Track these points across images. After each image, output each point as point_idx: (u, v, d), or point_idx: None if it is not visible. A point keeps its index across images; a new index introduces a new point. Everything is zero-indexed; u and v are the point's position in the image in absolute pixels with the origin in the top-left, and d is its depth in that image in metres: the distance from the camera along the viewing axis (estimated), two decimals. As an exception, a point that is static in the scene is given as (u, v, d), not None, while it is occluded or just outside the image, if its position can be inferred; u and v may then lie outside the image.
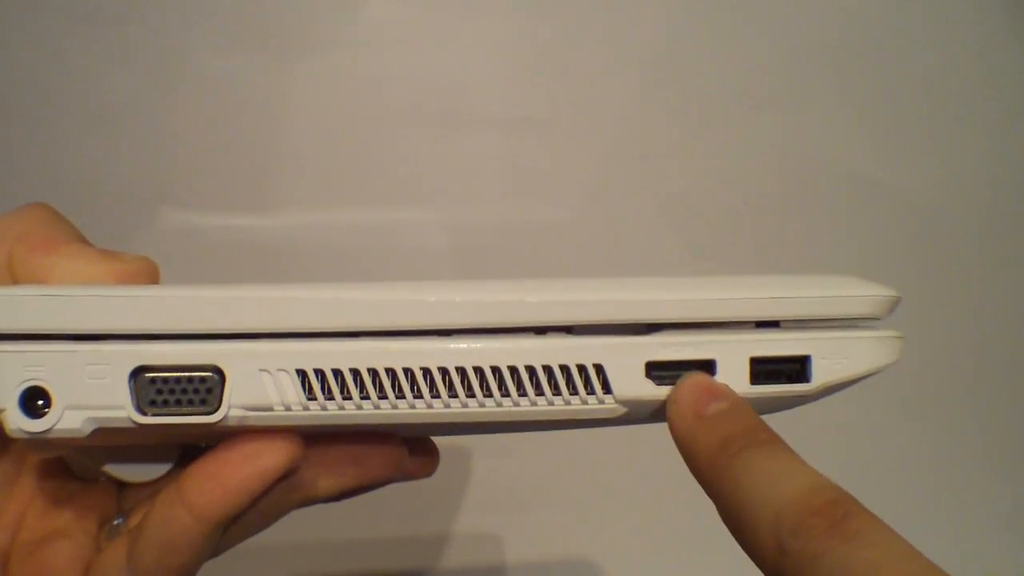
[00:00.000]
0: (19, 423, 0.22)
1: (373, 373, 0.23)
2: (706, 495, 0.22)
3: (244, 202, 0.52)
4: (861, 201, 0.59)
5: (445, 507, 0.57)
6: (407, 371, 0.23)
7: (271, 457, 0.23)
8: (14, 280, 0.25)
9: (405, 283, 0.23)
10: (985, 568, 0.59)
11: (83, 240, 0.26)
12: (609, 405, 0.23)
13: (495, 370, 0.23)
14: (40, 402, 0.22)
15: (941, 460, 0.60)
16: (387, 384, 0.23)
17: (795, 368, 0.24)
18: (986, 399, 0.61)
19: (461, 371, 0.23)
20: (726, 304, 0.24)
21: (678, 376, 0.23)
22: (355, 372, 0.23)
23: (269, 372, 0.23)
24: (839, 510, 0.19)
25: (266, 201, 0.53)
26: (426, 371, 0.23)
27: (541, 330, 0.24)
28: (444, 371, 0.23)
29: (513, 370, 0.23)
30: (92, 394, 0.22)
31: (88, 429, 0.22)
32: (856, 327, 0.25)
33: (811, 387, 0.24)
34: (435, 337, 0.23)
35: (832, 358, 0.24)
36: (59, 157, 0.51)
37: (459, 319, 0.23)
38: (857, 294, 0.24)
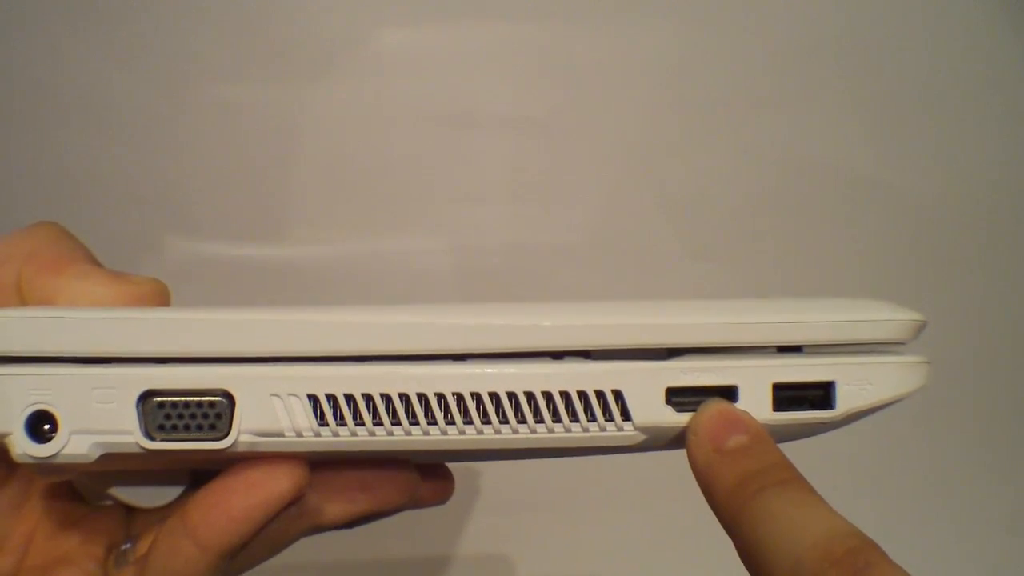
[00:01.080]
0: (25, 448, 0.21)
1: (386, 399, 0.22)
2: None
3: (252, 230, 0.52)
4: (862, 201, 0.58)
5: (451, 525, 0.57)
6: (421, 396, 0.22)
7: (276, 484, 0.23)
8: (22, 301, 0.25)
9: (418, 306, 0.23)
10: (985, 568, 0.58)
11: (93, 260, 0.26)
12: (628, 432, 0.23)
13: (511, 396, 0.22)
14: (46, 426, 0.22)
15: (941, 460, 0.60)
16: (400, 410, 0.22)
17: (819, 394, 0.23)
18: (986, 399, 0.60)
19: (476, 397, 0.22)
20: (748, 328, 0.23)
21: (699, 402, 0.23)
22: (368, 397, 0.22)
23: (280, 397, 0.22)
24: (860, 559, 0.19)
25: (274, 228, 0.53)
26: (440, 397, 0.22)
27: (558, 355, 0.23)
28: (459, 397, 0.22)
29: (530, 396, 0.22)
30: (99, 419, 0.22)
31: (95, 454, 0.22)
32: (881, 352, 0.24)
33: (836, 414, 0.23)
34: (450, 362, 0.23)
35: (857, 384, 0.23)
36: (71, 178, 0.51)
37: (474, 343, 0.23)
38: (882, 318, 0.24)
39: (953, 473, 0.60)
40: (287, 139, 0.52)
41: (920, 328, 0.24)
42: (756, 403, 0.23)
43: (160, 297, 0.25)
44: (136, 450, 0.22)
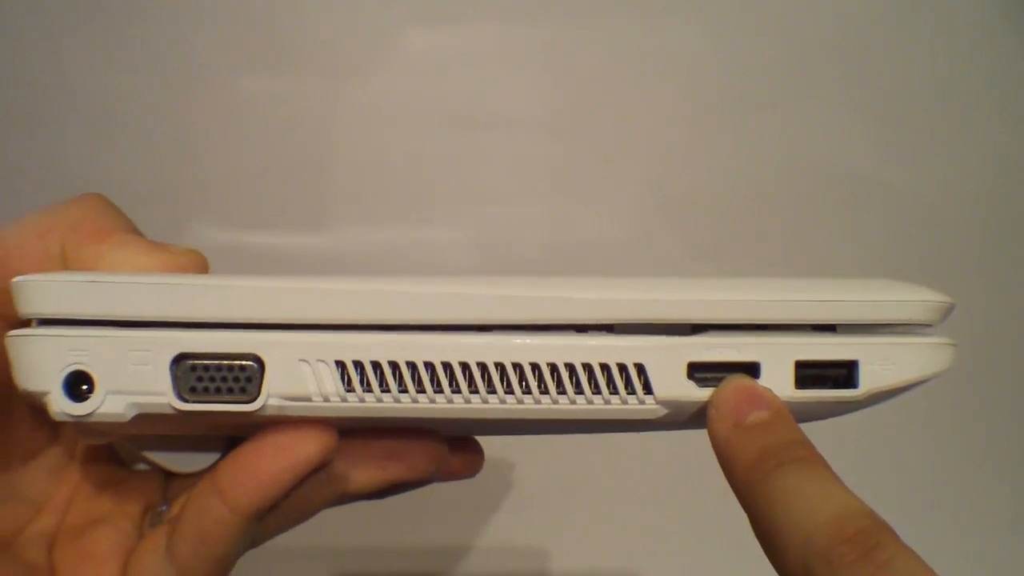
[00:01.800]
0: (63, 407, 0.22)
1: (411, 366, 0.23)
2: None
3: (285, 220, 0.54)
4: (863, 201, 0.59)
5: (484, 516, 0.57)
6: (446, 365, 0.23)
7: (303, 448, 0.23)
8: (66, 268, 0.25)
9: (446, 277, 0.23)
10: (985, 568, 0.58)
11: (135, 231, 0.27)
12: (649, 406, 0.23)
13: (535, 367, 0.23)
14: (84, 386, 0.22)
15: (941, 460, 0.60)
16: (425, 378, 0.23)
17: (842, 373, 0.23)
18: (987, 399, 0.60)
19: (500, 367, 0.23)
20: (772, 306, 0.23)
21: (721, 378, 0.23)
22: (393, 365, 0.23)
23: (308, 363, 0.23)
24: (871, 539, 0.19)
25: (306, 220, 0.54)
26: (464, 366, 0.23)
27: (582, 328, 0.23)
28: (483, 367, 0.23)
29: (553, 368, 0.23)
30: (134, 379, 0.22)
31: (130, 414, 0.22)
32: (907, 333, 0.24)
33: (858, 393, 0.23)
34: (476, 332, 0.23)
35: (881, 364, 0.23)
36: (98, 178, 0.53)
37: (500, 315, 0.23)
38: (908, 299, 0.24)
39: (953, 472, 0.60)
40: (319, 133, 0.54)
41: (948, 311, 0.24)
42: (778, 380, 0.23)
43: (198, 267, 0.26)
44: (168, 411, 0.22)
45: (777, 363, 0.23)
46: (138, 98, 0.53)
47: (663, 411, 0.23)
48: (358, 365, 0.23)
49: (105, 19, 0.53)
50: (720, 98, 0.57)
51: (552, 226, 0.57)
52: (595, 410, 0.23)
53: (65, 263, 0.25)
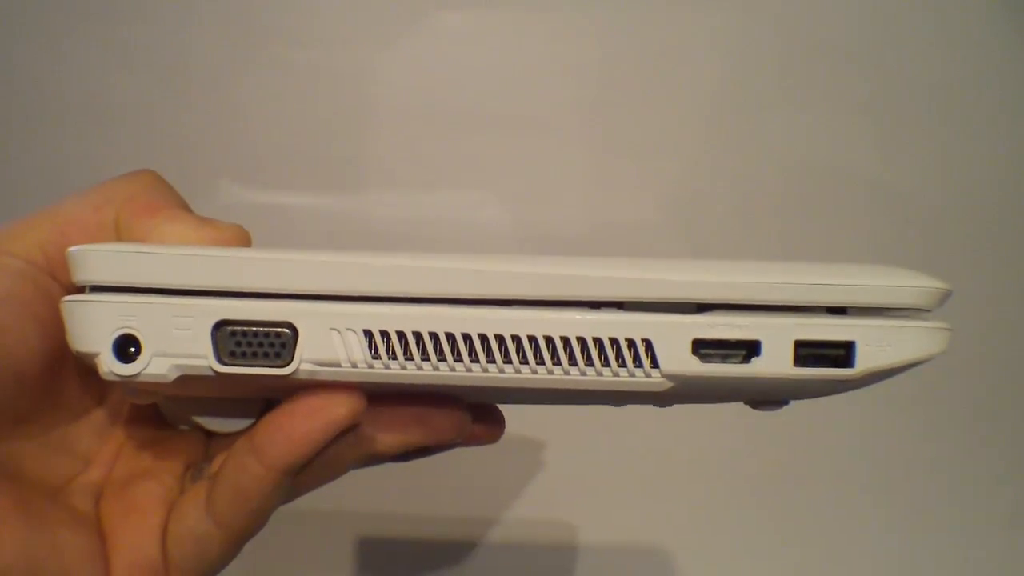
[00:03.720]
0: (112, 367, 0.24)
1: (434, 337, 0.24)
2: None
3: (320, 182, 0.56)
4: (863, 201, 0.59)
5: (509, 485, 0.59)
6: (466, 336, 0.24)
7: (334, 410, 0.25)
8: (119, 239, 0.27)
9: (467, 255, 0.25)
10: (985, 568, 0.59)
11: (185, 207, 0.28)
12: (656, 379, 0.24)
13: (548, 340, 0.24)
14: (132, 349, 0.24)
15: (941, 460, 0.60)
16: (446, 348, 0.24)
17: (839, 353, 0.25)
18: (986, 399, 0.61)
19: (516, 339, 0.24)
20: (774, 288, 0.24)
21: (725, 355, 0.24)
22: (417, 335, 0.24)
23: (338, 331, 0.24)
24: None
25: (344, 182, 0.56)
26: (483, 337, 0.24)
27: (595, 304, 0.25)
28: (500, 338, 0.24)
29: (566, 341, 0.24)
30: (178, 343, 0.24)
31: (173, 375, 0.24)
32: (904, 316, 0.25)
33: (855, 372, 0.25)
34: (494, 306, 0.25)
35: (877, 345, 0.25)
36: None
37: (518, 290, 0.24)
38: (906, 284, 0.25)
39: (953, 473, 0.60)
40: (355, 99, 0.56)
41: (944, 296, 0.25)
42: (778, 358, 0.24)
43: (241, 241, 0.27)
44: (209, 373, 0.24)
45: (777, 342, 0.24)
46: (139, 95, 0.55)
47: (668, 384, 0.25)
48: (384, 334, 0.24)
49: (106, 19, 0.55)
50: (720, 98, 0.57)
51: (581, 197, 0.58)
52: (604, 381, 0.25)
53: (119, 235, 0.27)
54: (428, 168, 0.56)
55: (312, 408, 0.25)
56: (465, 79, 0.56)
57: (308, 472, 0.27)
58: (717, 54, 0.58)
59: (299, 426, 0.25)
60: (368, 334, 0.24)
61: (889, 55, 0.58)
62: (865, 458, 0.58)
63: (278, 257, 0.24)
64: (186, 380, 0.25)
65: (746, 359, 0.25)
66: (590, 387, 0.25)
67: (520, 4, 0.56)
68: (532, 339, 0.24)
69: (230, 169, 0.55)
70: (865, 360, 0.25)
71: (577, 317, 0.24)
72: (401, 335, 0.24)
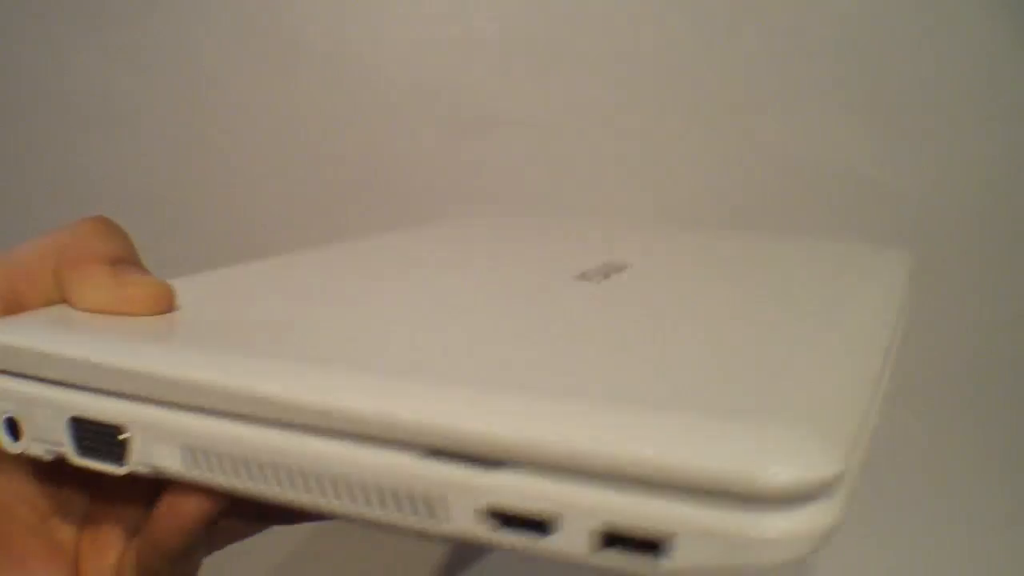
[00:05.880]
0: (5, 443, 0.26)
1: (237, 459, 0.23)
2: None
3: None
4: (861, 201, 0.60)
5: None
6: (270, 464, 0.23)
7: (187, 509, 0.25)
8: (60, 290, 0.28)
9: (305, 376, 0.23)
10: (985, 568, 0.57)
11: (120, 259, 0.28)
12: (453, 528, 0.21)
13: (343, 478, 0.22)
14: (18, 429, 0.26)
15: (941, 459, 0.60)
16: (255, 471, 0.23)
17: (650, 544, 0.20)
18: (986, 399, 0.61)
19: (316, 474, 0.22)
20: (582, 455, 0.20)
21: (516, 526, 0.21)
22: (219, 455, 0.23)
23: (161, 440, 0.24)
24: None
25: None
26: (276, 467, 0.23)
27: (404, 444, 0.22)
28: (300, 469, 0.23)
29: (361, 483, 0.22)
30: (45, 431, 0.26)
31: (49, 458, 0.26)
32: (759, 508, 0.19)
33: (665, 568, 0.19)
34: (300, 433, 0.23)
35: (701, 541, 0.19)
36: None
37: (325, 422, 0.22)
38: (768, 469, 0.18)
39: (953, 473, 0.60)
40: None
41: (826, 485, 0.19)
42: (575, 541, 0.20)
43: (158, 301, 0.27)
44: (73, 464, 0.26)
45: (577, 523, 0.20)
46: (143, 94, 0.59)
47: (471, 535, 0.21)
48: (193, 450, 0.24)
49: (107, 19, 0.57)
50: (720, 98, 0.58)
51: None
52: (404, 523, 0.22)
53: (57, 286, 0.28)
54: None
55: (170, 504, 0.25)
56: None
57: (209, 543, 0.28)
58: (716, 54, 0.59)
59: (163, 522, 0.26)
60: (187, 448, 0.24)
61: (886, 55, 0.58)
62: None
63: (112, 363, 0.24)
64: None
65: (540, 532, 0.20)
66: (392, 524, 0.22)
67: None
68: (331, 477, 0.22)
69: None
70: (682, 557, 0.19)
71: (371, 460, 0.22)
72: (214, 454, 0.24)
